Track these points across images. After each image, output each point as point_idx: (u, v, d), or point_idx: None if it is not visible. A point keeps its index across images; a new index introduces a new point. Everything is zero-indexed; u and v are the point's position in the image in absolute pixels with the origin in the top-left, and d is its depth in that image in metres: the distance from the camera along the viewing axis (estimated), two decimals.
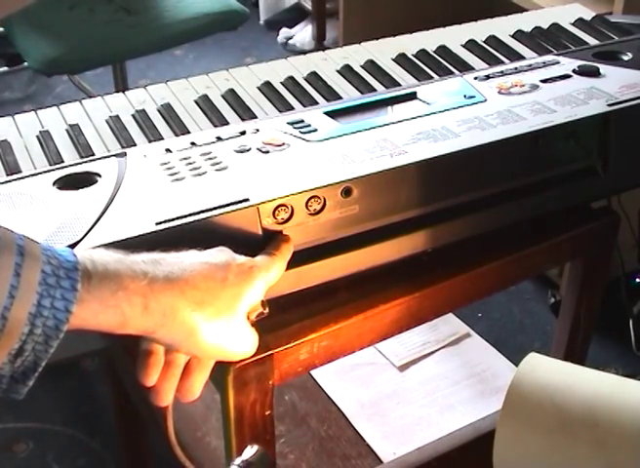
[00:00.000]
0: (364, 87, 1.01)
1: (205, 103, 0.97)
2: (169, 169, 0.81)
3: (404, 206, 0.84)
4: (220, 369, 0.78)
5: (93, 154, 0.87)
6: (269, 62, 1.07)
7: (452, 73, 1.03)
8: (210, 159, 0.82)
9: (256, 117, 0.95)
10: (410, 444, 1.20)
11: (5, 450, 1.60)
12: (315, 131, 0.87)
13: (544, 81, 0.96)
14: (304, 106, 0.97)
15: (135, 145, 0.89)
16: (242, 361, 0.77)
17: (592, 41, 1.10)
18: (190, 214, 0.74)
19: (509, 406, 0.66)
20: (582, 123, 0.89)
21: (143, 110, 0.96)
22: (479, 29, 1.14)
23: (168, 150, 0.84)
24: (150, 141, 0.90)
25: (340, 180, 0.79)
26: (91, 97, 1.13)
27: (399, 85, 1.01)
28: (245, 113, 0.95)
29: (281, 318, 0.83)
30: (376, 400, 1.29)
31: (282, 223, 0.77)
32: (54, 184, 0.79)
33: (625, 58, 1.02)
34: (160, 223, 0.73)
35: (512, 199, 0.90)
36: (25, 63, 2.36)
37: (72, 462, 1.58)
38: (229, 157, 0.82)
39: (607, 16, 1.19)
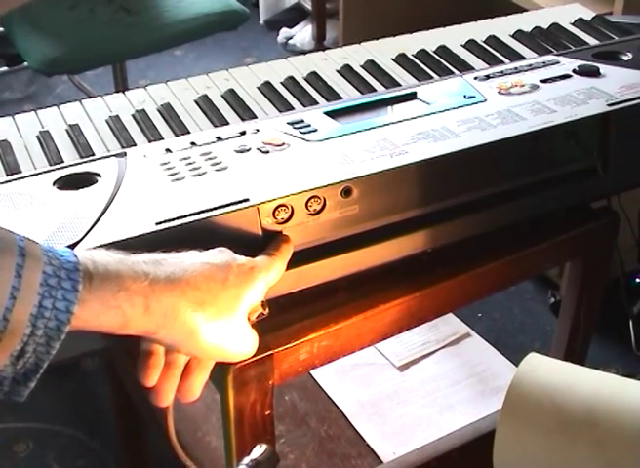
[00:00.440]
0: (364, 87, 1.01)
1: (205, 103, 0.97)
2: (169, 169, 0.81)
3: (404, 206, 0.84)
4: (220, 369, 0.78)
5: (93, 154, 0.87)
6: (269, 62, 1.07)
7: (452, 73, 1.03)
8: (210, 159, 0.82)
9: (256, 117, 0.95)
10: (410, 444, 1.20)
11: (5, 450, 1.60)
12: (315, 131, 0.87)
13: (544, 81, 0.96)
14: (304, 106, 0.97)
15: (135, 145, 0.89)
16: (242, 361, 0.77)
17: (592, 41, 1.10)
18: (190, 214, 0.74)
19: (509, 406, 0.66)
20: (582, 123, 0.89)
21: (143, 110, 0.96)
22: (479, 29, 1.14)
23: (168, 150, 0.84)
24: (150, 141, 0.90)
25: (340, 180, 0.79)
26: (91, 97, 1.13)
27: (399, 85, 1.01)
28: (245, 113, 0.95)
29: (281, 318, 0.83)
30: (376, 400, 1.29)
31: (282, 223, 0.77)
32: (54, 184, 0.79)
33: (625, 58, 1.02)
34: (160, 223, 0.73)
35: (512, 199, 0.90)
36: (25, 63, 2.36)
37: (72, 462, 1.58)
38: (229, 157, 0.82)
39: (607, 16, 1.19)
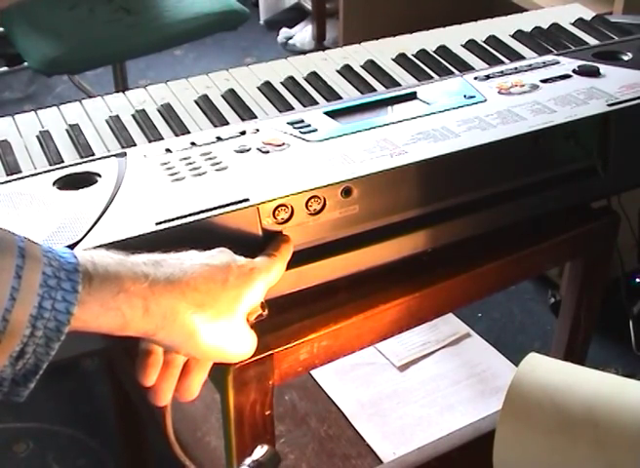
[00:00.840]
0: (364, 87, 1.01)
1: (205, 103, 0.97)
2: (169, 169, 0.81)
3: (404, 206, 0.84)
4: (220, 369, 0.78)
5: (93, 154, 0.87)
6: (269, 62, 1.07)
7: (452, 73, 1.03)
8: (210, 159, 0.82)
9: (256, 117, 0.95)
10: (410, 444, 1.20)
11: (5, 450, 1.60)
12: (315, 131, 0.87)
13: (544, 81, 0.96)
14: (304, 106, 0.97)
15: (135, 145, 0.89)
16: (242, 361, 0.77)
17: (592, 41, 1.10)
18: (190, 214, 0.74)
19: (509, 406, 0.66)
20: (582, 123, 0.89)
21: (143, 110, 0.96)
22: (479, 29, 1.14)
23: (168, 150, 0.84)
24: (150, 141, 0.90)
25: (340, 180, 0.79)
26: (91, 97, 1.13)
27: (399, 85, 1.01)
28: (245, 113, 0.95)
29: (281, 318, 0.83)
30: (376, 400, 1.29)
31: (282, 223, 0.77)
32: (54, 184, 0.79)
33: (625, 58, 1.02)
34: (160, 223, 0.73)
35: (512, 199, 0.90)
36: (25, 63, 2.36)
37: (72, 462, 1.58)
38: (229, 157, 0.82)
39: (607, 16, 1.19)
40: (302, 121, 0.89)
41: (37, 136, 0.91)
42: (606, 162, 0.93)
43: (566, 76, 0.98)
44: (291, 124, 0.88)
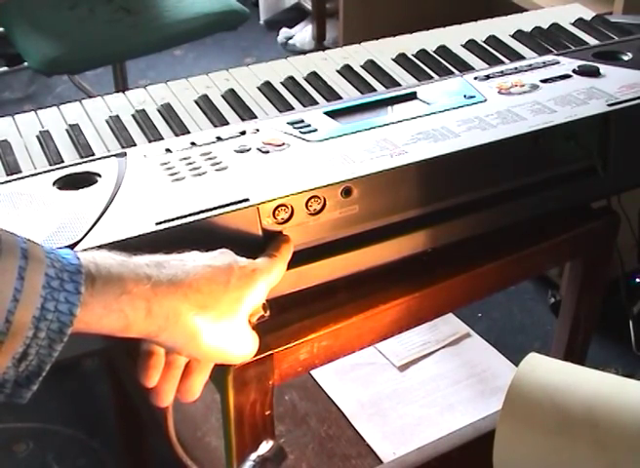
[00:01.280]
0: (364, 87, 1.01)
1: (205, 103, 0.97)
2: (169, 169, 0.81)
3: (404, 206, 0.84)
4: (221, 369, 0.78)
5: (93, 154, 0.87)
6: (269, 62, 1.07)
7: (452, 73, 1.03)
8: (210, 159, 0.82)
9: (256, 117, 0.95)
10: (410, 444, 1.20)
11: (5, 450, 1.60)
12: (315, 131, 0.87)
13: (544, 81, 0.96)
14: (304, 106, 0.97)
15: (135, 145, 0.89)
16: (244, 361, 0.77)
17: (592, 41, 1.10)
18: (190, 214, 0.74)
19: (509, 406, 0.66)
20: (582, 123, 0.89)
21: (143, 110, 0.96)
22: (479, 29, 1.14)
23: (168, 150, 0.84)
24: (150, 141, 0.90)
25: (340, 180, 0.79)
26: (91, 97, 1.13)
27: (399, 85, 1.01)
28: (245, 113, 0.95)
29: (281, 318, 0.83)
30: (376, 400, 1.29)
31: (282, 223, 0.77)
32: (54, 184, 0.79)
33: (625, 58, 1.02)
34: (160, 223, 0.73)
35: (512, 199, 0.90)
36: (25, 63, 2.36)
37: (72, 462, 1.58)
38: (229, 157, 0.82)
39: (607, 16, 1.19)
40: (302, 121, 0.89)
41: (37, 136, 0.91)
42: (606, 162, 0.93)
43: (566, 76, 0.98)
44: (291, 124, 0.88)
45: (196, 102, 0.98)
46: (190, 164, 0.81)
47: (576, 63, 1.00)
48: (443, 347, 1.38)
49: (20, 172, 0.84)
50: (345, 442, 1.22)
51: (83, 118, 0.94)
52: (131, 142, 0.90)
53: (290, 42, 2.91)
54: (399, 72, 1.04)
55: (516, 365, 0.69)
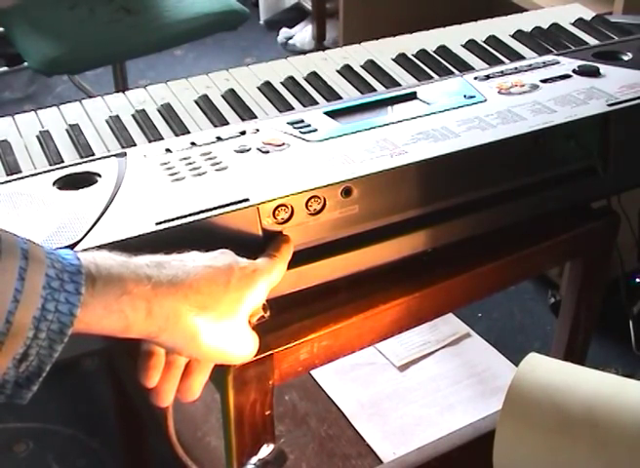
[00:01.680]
0: (364, 87, 1.01)
1: (205, 103, 0.97)
2: (169, 169, 0.81)
3: (404, 206, 0.84)
4: (221, 368, 0.78)
5: (93, 154, 0.87)
6: (269, 62, 1.07)
7: (452, 73, 1.03)
8: (210, 159, 0.82)
9: (256, 117, 0.95)
10: (410, 444, 1.20)
11: (5, 450, 1.60)
12: (315, 131, 0.87)
13: (544, 81, 0.96)
14: (304, 106, 0.97)
15: (135, 145, 0.89)
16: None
17: (592, 41, 1.11)
18: (190, 214, 0.74)
19: (509, 406, 0.66)
20: (582, 123, 0.89)
21: (143, 110, 0.96)
22: (479, 29, 1.14)
23: (168, 150, 0.84)
24: (150, 141, 0.90)
25: (340, 180, 0.79)
26: (91, 97, 1.13)
27: (399, 85, 1.01)
28: (245, 113, 0.95)
29: (281, 318, 0.83)
30: (376, 400, 1.29)
31: (282, 223, 0.77)
32: (54, 184, 0.79)
33: (625, 58, 1.02)
34: (160, 223, 0.73)
35: (512, 199, 0.90)
36: (25, 63, 2.36)
37: (72, 462, 1.58)
38: (229, 157, 0.82)
39: (607, 16, 1.19)
40: (302, 121, 0.89)
41: (37, 136, 0.91)
42: (606, 162, 0.93)
43: (566, 76, 0.98)
44: (291, 124, 0.88)
45: (196, 102, 0.98)
46: (190, 164, 0.81)
47: (576, 63, 1.00)
48: (443, 347, 1.38)
49: (20, 172, 0.84)
50: (345, 442, 1.22)
51: (83, 118, 0.94)
52: (131, 142, 0.90)
53: (290, 42, 2.91)
54: (399, 72, 1.04)
55: (516, 365, 0.69)
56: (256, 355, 0.75)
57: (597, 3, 1.53)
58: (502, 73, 0.99)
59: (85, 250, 0.68)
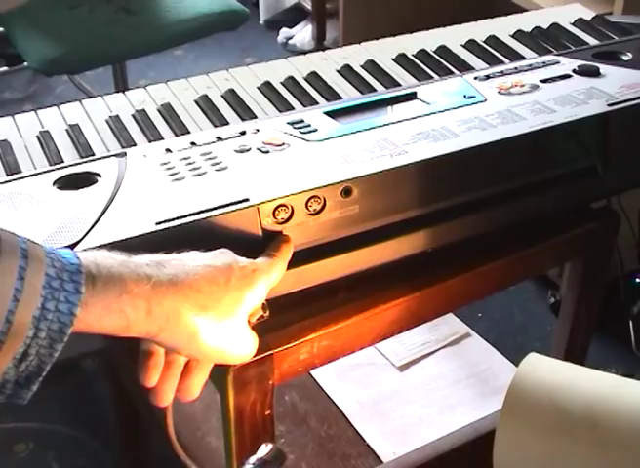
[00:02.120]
0: (364, 87, 1.01)
1: (205, 103, 0.97)
2: (169, 169, 0.81)
3: (404, 206, 0.84)
4: (221, 369, 0.78)
5: (93, 154, 0.87)
6: (269, 62, 1.07)
7: (452, 73, 1.03)
8: (210, 159, 0.82)
9: (256, 117, 0.95)
10: (410, 444, 1.20)
11: (5, 450, 1.60)
12: (315, 131, 0.87)
13: (544, 81, 0.96)
14: (304, 106, 0.97)
15: (135, 145, 0.89)
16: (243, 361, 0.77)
17: (592, 41, 1.10)
18: (190, 214, 0.74)
19: (509, 406, 0.66)
20: (582, 123, 0.89)
21: (143, 110, 0.96)
22: (479, 29, 1.14)
23: (168, 150, 0.84)
24: (150, 141, 0.90)
25: (340, 180, 0.79)
26: (91, 97, 1.13)
27: (399, 85, 1.01)
28: (245, 113, 0.95)
29: (281, 318, 0.83)
30: (376, 400, 1.29)
31: (282, 223, 0.77)
32: (54, 184, 0.79)
33: (625, 58, 1.02)
34: (160, 223, 0.73)
35: (512, 199, 0.90)
36: (25, 63, 2.36)
37: (72, 462, 1.58)
38: (229, 157, 0.82)
39: (607, 16, 1.19)
40: (302, 121, 0.89)
41: (37, 136, 0.91)
42: (606, 162, 0.93)
43: (566, 76, 0.98)
44: (291, 124, 0.88)
45: (196, 102, 0.98)
46: (190, 164, 0.81)
47: (576, 63, 1.00)
48: (443, 347, 1.38)
49: (20, 172, 0.84)
50: (345, 442, 1.22)
51: (83, 118, 0.94)
52: (131, 142, 0.90)
53: (290, 42, 2.91)
54: (399, 72, 1.04)
55: (516, 365, 0.69)
56: (256, 355, 0.75)
57: (597, 3, 1.53)
58: (502, 73, 0.99)
59: (85, 250, 0.68)
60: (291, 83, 1.01)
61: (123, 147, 0.89)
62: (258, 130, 0.87)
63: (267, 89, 1.00)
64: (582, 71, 0.98)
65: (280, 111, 0.96)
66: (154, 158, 0.83)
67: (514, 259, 0.97)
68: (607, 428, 0.63)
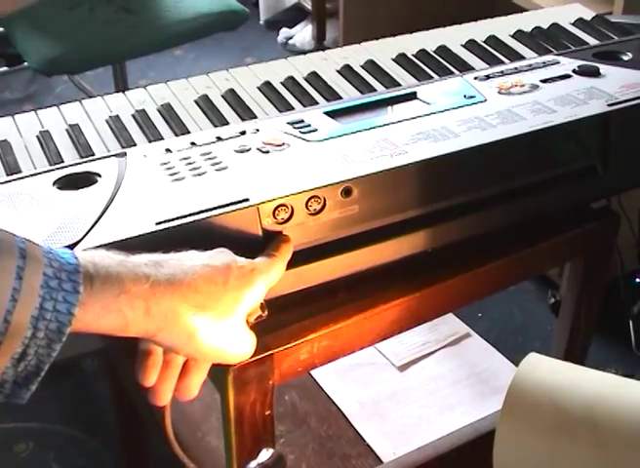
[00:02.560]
0: (364, 87, 1.01)
1: (205, 103, 0.97)
2: (169, 169, 0.81)
3: (404, 206, 0.84)
4: (220, 369, 0.78)
5: (93, 154, 0.87)
6: (269, 62, 1.07)
7: (452, 73, 1.03)
8: (210, 159, 0.82)
9: (256, 117, 0.95)
10: (410, 444, 1.20)
11: (5, 450, 1.60)
12: (315, 131, 0.87)
13: (544, 81, 0.96)
14: (304, 106, 0.97)
15: (135, 145, 0.89)
16: (242, 361, 0.77)
17: (592, 41, 1.11)
18: (190, 214, 0.74)
19: (509, 406, 0.66)
20: (582, 123, 0.89)
21: (143, 110, 0.96)
22: (479, 29, 1.14)
23: (168, 150, 0.84)
24: (150, 141, 0.90)
25: (340, 180, 0.79)
26: (91, 97, 1.13)
27: (399, 85, 1.01)
28: (245, 113, 0.95)
29: (281, 318, 0.83)
30: (376, 400, 1.29)
31: (282, 223, 0.77)
32: (54, 184, 0.79)
33: (625, 58, 1.03)
34: (160, 223, 0.73)
35: (512, 199, 0.90)
36: (25, 63, 2.36)
37: (72, 462, 1.58)
38: (229, 157, 0.82)
39: (607, 16, 1.19)
40: (302, 121, 0.89)
41: (37, 136, 0.91)
42: (606, 162, 0.93)
43: (566, 76, 0.98)
44: (291, 124, 0.88)
45: (196, 102, 0.98)
46: (190, 164, 0.81)
47: (576, 63, 1.00)
48: (443, 347, 1.38)
49: (20, 172, 0.84)
50: (345, 442, 1.22)
51: (83, 118, 0.94)
52: (131, 142, 0.90)
53: (290, 42, 2.91)
54: (399, 72, 1.04)
55: (516, 365, 0.69)
56: (256, 355, 0.75)
57: (597, 3, 1.53)
58: (502, 73, 0.99)
59: (85, 250, 0.68)
60: (291, 83, 1.01)
61: (123, 147, 0.89)
62: (258, 130, 0.87)
63: (267, 89, 1.00)
64: (582, 71, 0.98)
65: (280, 111, 0.96)
66: (154, 158, 0.83)
67: (514, 259, 0.97)
68: (607, 428, 0.63)
